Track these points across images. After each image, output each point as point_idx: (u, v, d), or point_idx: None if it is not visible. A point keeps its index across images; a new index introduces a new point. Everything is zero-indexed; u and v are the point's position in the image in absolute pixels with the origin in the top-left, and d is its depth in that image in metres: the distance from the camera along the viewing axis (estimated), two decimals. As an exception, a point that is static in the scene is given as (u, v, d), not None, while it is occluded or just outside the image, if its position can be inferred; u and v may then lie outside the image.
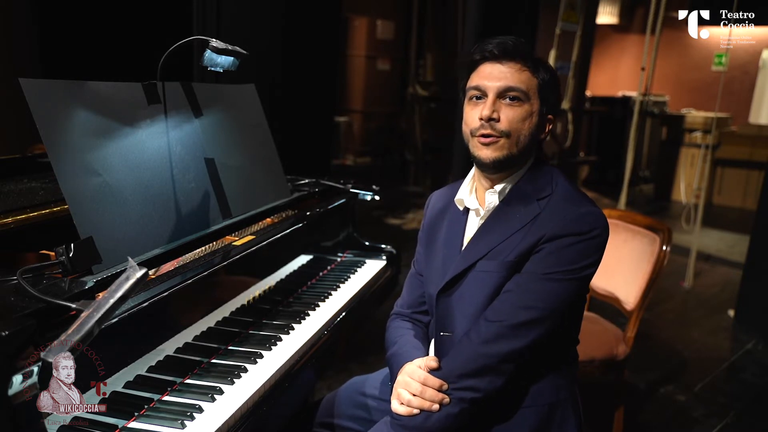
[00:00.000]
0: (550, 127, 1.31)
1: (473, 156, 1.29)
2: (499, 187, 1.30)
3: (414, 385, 1.22)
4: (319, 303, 1.69)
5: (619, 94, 8.34)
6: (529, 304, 1.20)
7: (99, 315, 0.86)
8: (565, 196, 1.26)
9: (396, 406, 1.23)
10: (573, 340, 1.37)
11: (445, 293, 1.33)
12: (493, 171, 1.29)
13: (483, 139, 1.25)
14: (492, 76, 1.25)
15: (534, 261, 1.22)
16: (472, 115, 1.27)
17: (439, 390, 1.21)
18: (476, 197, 1.36)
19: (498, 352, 1.20)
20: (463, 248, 1.33)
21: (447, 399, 1.20)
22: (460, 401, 1.20)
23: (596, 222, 1.22)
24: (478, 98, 1.27)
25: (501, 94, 1.24)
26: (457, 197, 1.38)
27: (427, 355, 1.37)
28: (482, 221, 1.32)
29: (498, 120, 1.23)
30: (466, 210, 1.37)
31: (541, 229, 1.22)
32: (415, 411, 1.20)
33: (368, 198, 2.12)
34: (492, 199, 1.30)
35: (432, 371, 1.23)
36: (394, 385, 1.27)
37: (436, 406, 1.20)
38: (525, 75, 1.24)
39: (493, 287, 1.25)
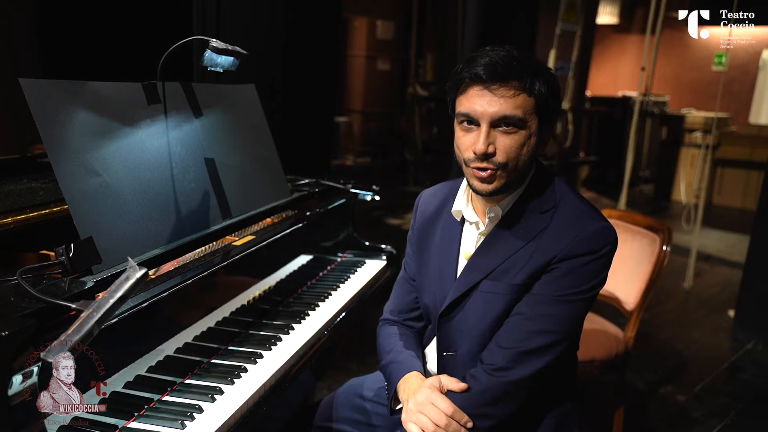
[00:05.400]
0: (552, 134, 1.24)
1: (469, 183, 1.22)
2: (502, 204, 1.24)
3: (438, 416, 1.16)
4: (319, 303, 1.69)
5: (619, 94, 8.34)
6: (544, 329, 1.17)
7: (99, 315, 0.86)
8: (573, 210, 1.21)
9: None
10: (575, 348, 1.36)
11: (447, 315, 1.29)
12: (494, 196, 1.22)
13: (479, 173, 1.16)
14: (483, 103, 1.13)
15: (546, 282, 1.18)
16: (465, 143, 1.17)
17: (464, 426, 1.17)
18: (474, 209, 1.30)
19: (513, 380, 1.17)
20: (465, 266, 1.28)
21: None
22: (472, 429, 1.18)
23: (608, 238, 1.18)
24: (469, 123, 1.17)
25: (495, 124, 1.14)
26: (454, 208, 1.32)
27: (423, 362, 1.36)
28: (483, 237, 1.27)
29: (494, 153, 1.14)
30: (463, 219, 1.33)
31: (551, 248, 1.17)
32: None
33: (368, 198, 2.12)
34: (493, 216, 1.25)
35: (450, 393, 1.20)
36: (411, 405, 1.21)
37: None
38: (520, 99, 1.13)
39: (500, 309, 1.22)
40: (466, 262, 1.29)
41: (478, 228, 1.29)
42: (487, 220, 1.26)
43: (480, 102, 1.14)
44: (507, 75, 1.12)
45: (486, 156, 1.14)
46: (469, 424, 1.17)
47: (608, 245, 1.18)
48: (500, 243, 1.23)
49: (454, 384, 1.20)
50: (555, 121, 1.23)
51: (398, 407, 1.29)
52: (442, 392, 1.20)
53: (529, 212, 1.22)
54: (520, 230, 1.22)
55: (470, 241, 1.31)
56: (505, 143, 1.15)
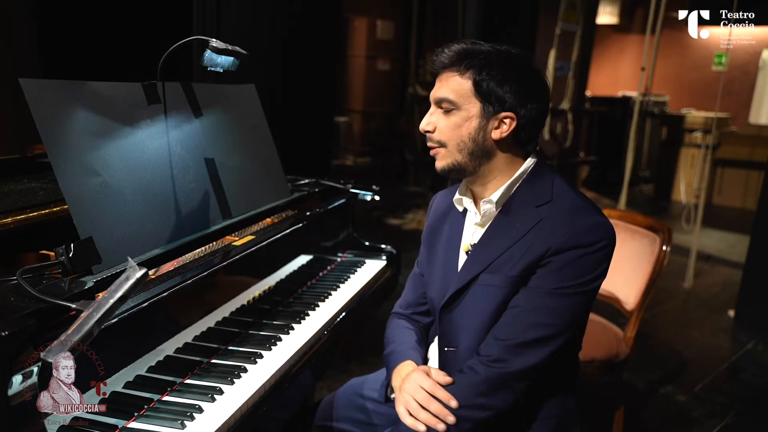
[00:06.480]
0: (514, 124, 1.21)
1: None
2: (494, 196, 1.27)
3: (421, 394, 1.20)
4: (319, 303, 1.69)
5: (619, 94, 8.34)
6: (540, 321, 1.18)
7: (99, 315, 0.86)
8: (570, 205, 1.22)
9: (402, 413, 1.21)
10: (577, 349, 1.36)
11: (448, 308, 1.31)
12: (453, 177, 1.30)
13: (431, 152, 1.28)
14: (433, 89, 1.27)
15: (542, 275, 1.19)
16: None
17: (447, 405, 1.18)
18: (472, 199, 1.34)
19: (510, 371, 1.18)
20: (465, 260, 1.30)
21: (452, 418, 1.18)
22: (468, 420, 1.18)
23: (604, 233, 1.19)
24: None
25: (438, 105, 1.25)
26: (455, 197, 1.36)
27: (425, 357, 1.37)
28: (480, 228, 1.31)
29: (433, 131, 1.26)
30: (465, 211, 1.36)
31: (546, 241, 1.19)
32: (421, 427, 1.17)
33: (368, 198, 2.12)
34: (487, 208, 1.28)
35: (448, 384, 1.21)
36: (400, 390, 1.25)
37: (441, 426, 1.17)
38: (453, 81, 1.22)
39: (498, 302, 1.23)
40: (464, 254, 1.32)
41: (475, 218, 1.32)
42: (482, 212, 1.29)
43: (433, 89, 1.27)
44: (444, 64, 1.24)
45: (427, 132, 1.27)
46: (453, 403, 1.18)
47: (604, 240, 1.19)
48: (498, 236, 1.26)
49: (442, 377, 1.22)
50: (517, 109, 1.21)
51: (392, 395, 1.31)
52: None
53: (525, 206, 1.25)
54: (517, 223, 1.24)
55: (469, 233, 1.34)
56: (441, 122, 1.25)
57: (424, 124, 1.27)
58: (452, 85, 1.22)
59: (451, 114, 1.23)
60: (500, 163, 1.26)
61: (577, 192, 1.27)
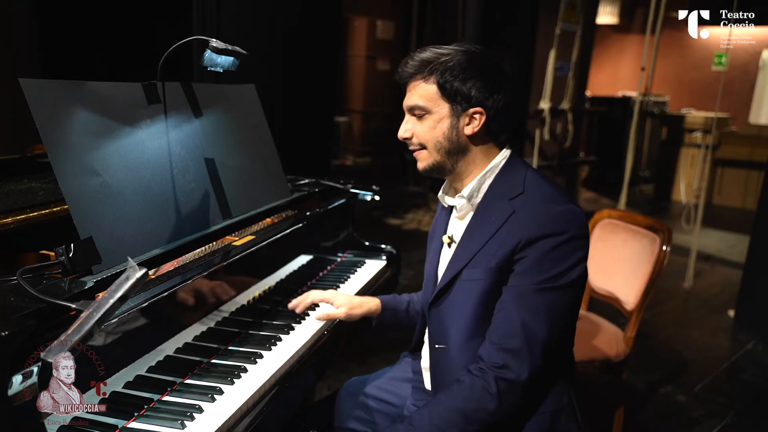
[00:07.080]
0: (483, 118, 1.25)
1: None
2: (465, 191, 1.30)
3: (309, 298, 1.55)
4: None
5: (619, 94, 8.34)
6: (531, 320, 1.18)
7: (99, 315, 0.86)
8: (541, 195, 1.24)
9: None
10: (569, 344, 1.36)
11: (435, 304, 1.33)
12: (434, 176, 1.34)
13: (414, 154, 1.33)
14: (405, 98, 1.32)
15: (520, 272, 1.20)
16: None
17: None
18: (453, 195, 1.37)
19: (516, 378, 1.18)
20: (450, 257, 1.33)
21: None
22: (481, 423, 1.19)
23: (573, 220, 1.20)
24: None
25: (411, 113, 1.30)
26: (439, 194, 1.40)
27: (404, 312, 1.56)
28: (459, 221, 1.34)
29: (411, 137, 1.31)
30: (451, 207, 1.39)
31: (517, 233, 1.20)
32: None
33: (368, 198, 2.12)
34: (460, 203, 1.31)
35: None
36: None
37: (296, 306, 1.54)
38: (420, 88, 1.27)
39: (480, 294, 1.24)
40: (445, 245, 1.37)
41: (456, 212, 1.36)
42: (457, 207, 1.33)
43: (404, 99, 1.32)
44: (409, 73, 1.29)
45: (406, 140, 1.32)
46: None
47: (572, 228, 1.19)
48: (476, 232, 1.28)
49: (333, 306, 1.55)
50: (480, 102, 1.24)
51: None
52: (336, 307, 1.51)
53: (499, 199, 1.26)
54: (492, 217, 1.26)
55: (453, 225, 1.38)
56: (417, 128, 1.30)
57: (402, 132, 1.31)
58: (420, 92, 1.27)
59: (424, 119, 1.28)
60: (476, 157, 1.30)
61: (549, 182, 1.28)
